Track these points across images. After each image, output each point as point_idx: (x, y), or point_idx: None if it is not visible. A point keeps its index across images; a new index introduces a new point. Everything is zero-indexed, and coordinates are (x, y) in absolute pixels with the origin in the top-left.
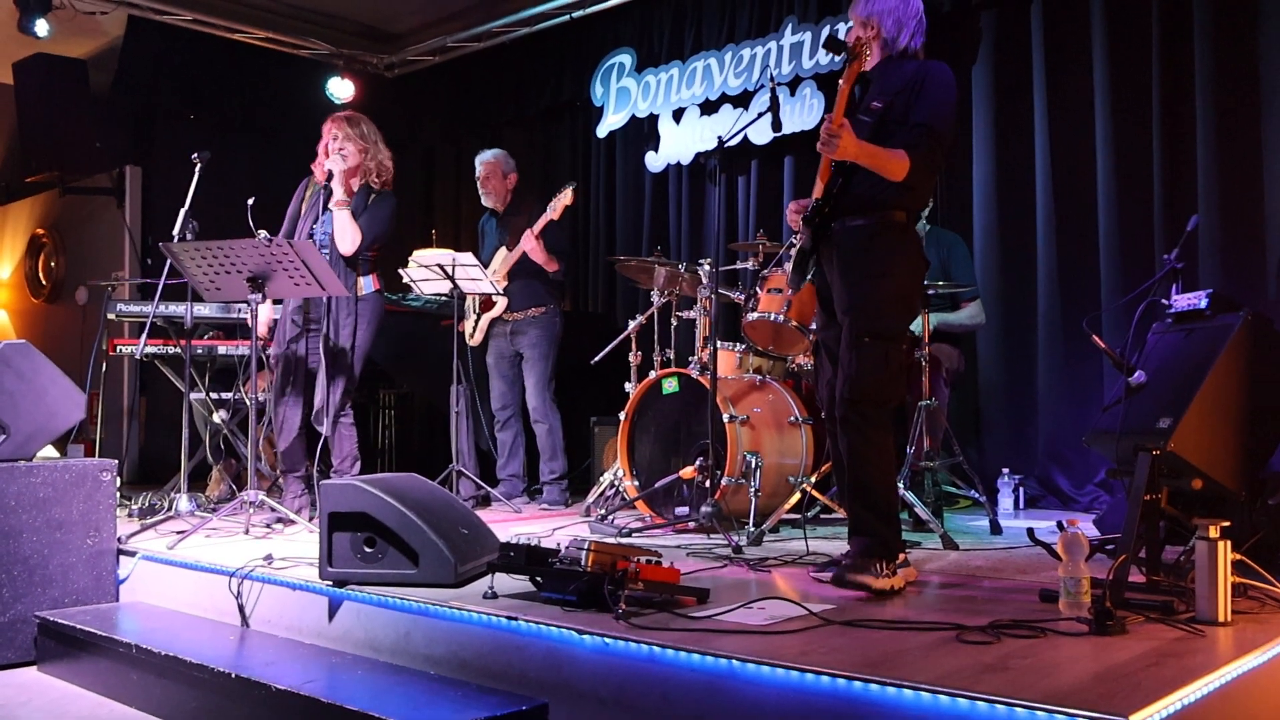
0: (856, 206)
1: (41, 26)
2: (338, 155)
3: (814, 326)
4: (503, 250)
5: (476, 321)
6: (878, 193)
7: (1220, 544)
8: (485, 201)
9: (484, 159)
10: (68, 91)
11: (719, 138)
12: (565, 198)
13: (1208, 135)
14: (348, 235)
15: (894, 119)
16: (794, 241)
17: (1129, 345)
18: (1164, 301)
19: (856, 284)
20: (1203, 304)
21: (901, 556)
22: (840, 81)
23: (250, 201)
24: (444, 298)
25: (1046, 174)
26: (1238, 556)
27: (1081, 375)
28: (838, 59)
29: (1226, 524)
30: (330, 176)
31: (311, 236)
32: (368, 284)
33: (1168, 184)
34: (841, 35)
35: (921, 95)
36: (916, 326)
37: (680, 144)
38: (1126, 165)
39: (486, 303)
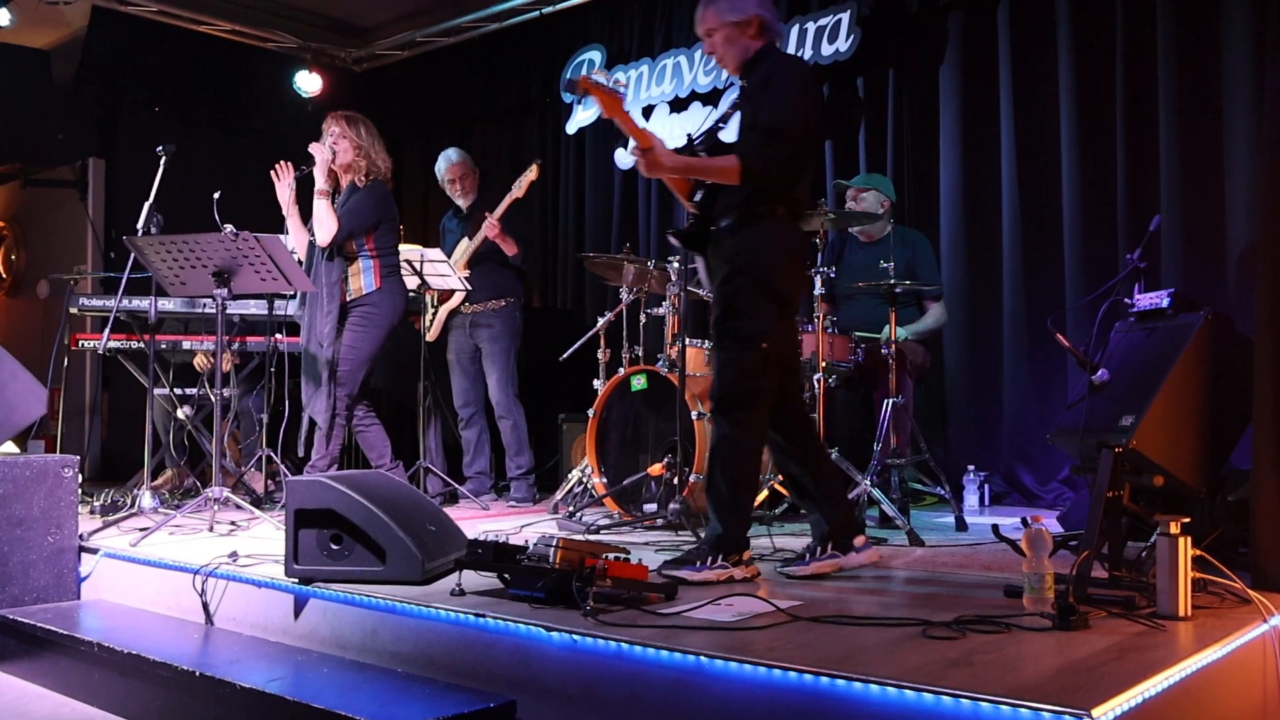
0: (722, 209)
1: (2, 16)
2: (329, 147)
3: None
4: (464, 241)
5: (434, 315)
6: (738, 192)
7: (1181, 540)
8: (460, 201)
9: (452, 161)
10: (30, 83)
11: (689, 135)
12: (530, 174)
13: (1170, 136)
14: (324, 224)
15: (745, 125)
16: None
17: (1092, 344)
18: (1127, 300)
19: (718, 288)
20: (1164, 303)
21: (861, 539)
22: (604, 115)
23: (216, 195)
24: (412, 294)
25: (1012, 174)
26: (1198, 552)
27: (1046, 373)
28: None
29: (1187, 520)
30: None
31: None
32: (368, 282)
33: (1131, 184)
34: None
35: (763, 97)
36: (884, 330)
37: None
38: (1090, 165)
39: (444, 295)
